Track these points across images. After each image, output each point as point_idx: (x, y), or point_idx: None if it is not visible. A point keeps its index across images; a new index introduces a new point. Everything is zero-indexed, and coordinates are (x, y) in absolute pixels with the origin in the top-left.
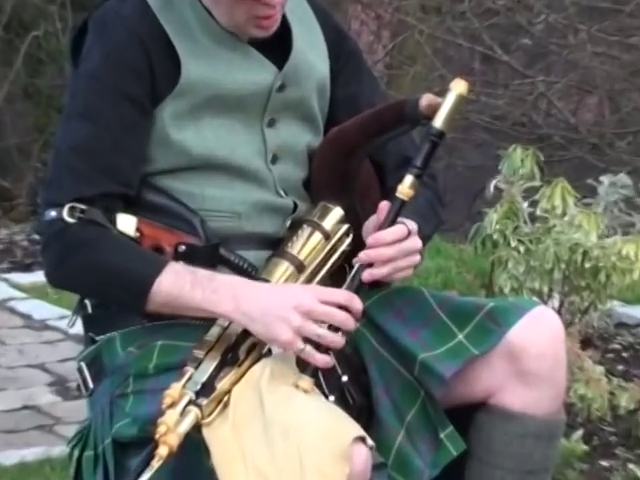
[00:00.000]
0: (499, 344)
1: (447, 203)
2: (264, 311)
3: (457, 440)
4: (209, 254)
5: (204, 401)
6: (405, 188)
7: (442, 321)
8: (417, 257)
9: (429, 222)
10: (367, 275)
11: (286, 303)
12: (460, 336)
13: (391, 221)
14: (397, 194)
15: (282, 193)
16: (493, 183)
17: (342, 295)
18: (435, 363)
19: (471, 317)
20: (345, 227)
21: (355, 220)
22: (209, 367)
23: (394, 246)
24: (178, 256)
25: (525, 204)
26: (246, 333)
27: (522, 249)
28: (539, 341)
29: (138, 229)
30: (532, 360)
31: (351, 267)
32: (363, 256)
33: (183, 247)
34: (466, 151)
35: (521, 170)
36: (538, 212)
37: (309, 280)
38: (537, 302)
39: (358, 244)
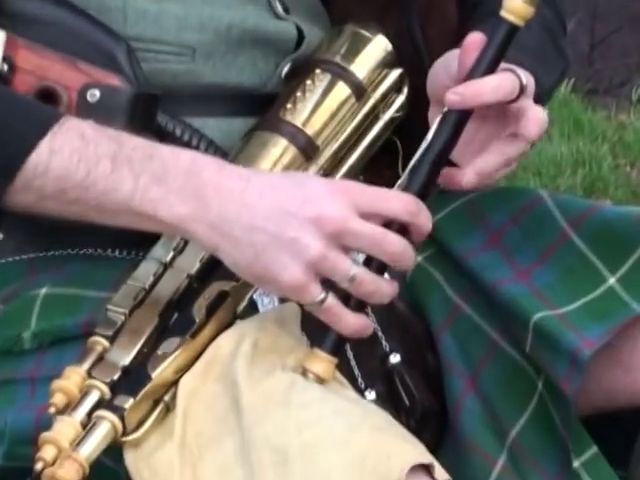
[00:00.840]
0: None
1: (597, 40)
2: (253, 225)
3: (605, 471)
4: (141, 112)
5: (127, 401)
6: (518, 2)
7: (577, 252)
8: (534, 134)
9: (551, 67)
10: (472, 174)
11: (297, 212)
12: (611, 280)
13: (491, 64)
14: (503, 13)
15: (279, 9)
16: None
17: (399, 200)
18: (565, 329)
19: (633, 244)
20: (394, 74)
21: (413, 60)
22: (136, 339)
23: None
24: (85, 108)
25: None
26: (211, 270)
27: None
28: None
29: (7, 57)
30: None
31: (405, 149)
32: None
33: (96, 92)
34: None
35: None
36: None
37: (326, 174)
38: None
39: (420, 108)
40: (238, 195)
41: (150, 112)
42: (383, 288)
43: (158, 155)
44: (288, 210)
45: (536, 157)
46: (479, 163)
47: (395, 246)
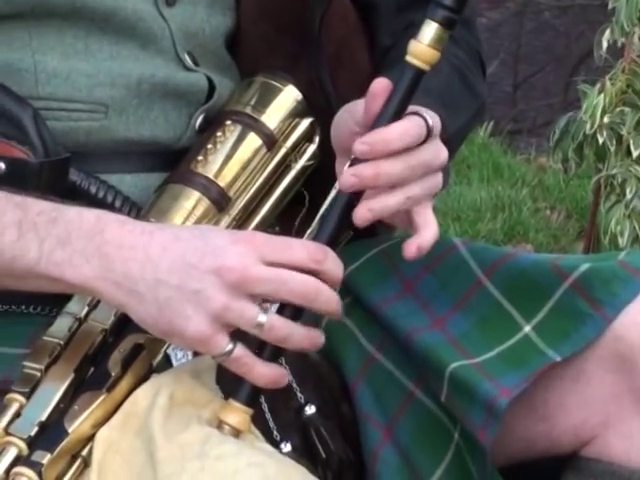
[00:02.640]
0: (599, 341)
1: (520, 81)
2: (158, 279)
3: None
4: (50, 178)
5: (45, 457)
6: (423, 47)
7: (493, 301)
8: (439, 179)
9: (460, 109)
10: (364, 211)
11: (199, 264)
12: (526, 328)
13: (397, 110)
14: (408, 58)
15: (188, 61)
16: (607, 33)
17: (304, 248)
18: (481, 378)
19: (547, 292)
20: (305, 123)
21: (324, 109)
22: (53, 394)
23: (403, 158)
24: None
25: None
26: (123, 326)
27: None
28: None
29: None
30: None
31: (317, 198)
32: (349, 177)
33: (1, 165)
34: None
35: None
36: None
37: (238, 226)
38: None
39: (330, 157)
40: (141, 251)
41: (60, 176)
42: (297, 332)
43: (62, 218)
44: (190, 262)
45: (455, 202)
46: (373, 201)
47: (303, 285)
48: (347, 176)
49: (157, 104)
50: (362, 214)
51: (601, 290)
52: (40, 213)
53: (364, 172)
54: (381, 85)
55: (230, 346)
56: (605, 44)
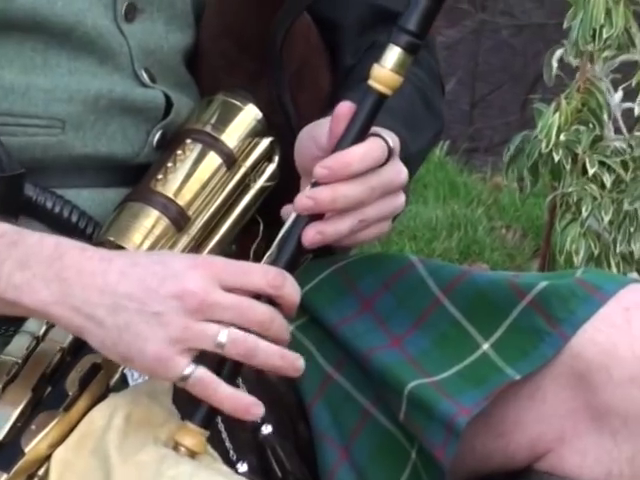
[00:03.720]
0: (556, 358)
1: (477, 99)
2: (117, 304)
3: None
4: (4, 193)
5: (1, 477)
6: (385, 72)
7: (451, 319)
8: (400, 200)
9: (422, 131)
10: (313, 234)
11: (159, 288)
12: (484, 346)
13: (358, 133)
14: (371, 82)
15: (145, 78)
16: (558, 54)
17: (263, 274)
18: (439, 397)
19: (505, 310)
20: (264, 143)
21: (284, 129)
22: (10, 413)
23: (361, 180)
24: None
25: (617, 95)
26: (81, 345)
27: (609, 180)
28: (632, 352)
29: None
30: (618, 388)
31: (276, 220)
32: (306, 198)
33: None
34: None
35: (606, 30)
36: (638, 110)
37: (198, 245)
38: (632, 279)
39: (290, 177)
40: (100, 277)
41: (15, 192)
42: (262, 344)
43: (23, 242)
44: (150, 287)
45: (411, 221)
46: (325, 224)
47: (261, 314)
48: (303, 199)
49: (114, 120)
50: (311, 237)
51: (559, 308)
52: (1, 235)
53: (321, 195)
54: (344, 108)
55: (190, 369)
56: (555, 65)
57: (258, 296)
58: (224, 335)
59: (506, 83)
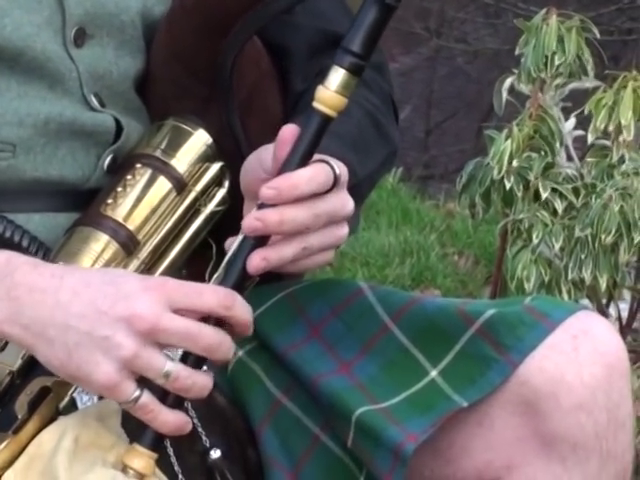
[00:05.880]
0: (504, 385)
1: (432, 126)
2: (67, 324)
3: None
4: None
5: None
6: (329, 93)
7: (399, 345)
8: (344, 231)
9: (371, 155)
10: (258, 260)
11: (110, 310)
12: (432, 373)
13: (303, 157)
14: (315, 104)
15: (94, 102)
16: (508, 83)
17: (215, 296)
18: (387, 423)
19: (453, 337)
20: (214, 168)
21: (234, 154)
22: None
23: (308, 205)
24: None
25: (568, 123)
26: (30, 368)
27: (560, 207)
28: (580, 379)
29: None
30: (567, 415)
31: (221, 245)
32: (254, 220)
33: None
34: (467, 24)
35: (558, 57)
36: (590, 138)
37: (148, 269)
38: (581, 306)
39: (238, 201)
40: (51, 295)
41: None
42: (199, 382)
43: None
44: (101, 309)
45: (364, 247)
46: (269, 250)
47: (209, 339)
48: (251, 220)
49: (65, 144)
50: (256, 263)
51: (507, 335)
52: None
53: (268, 217)
54: (289, 131)
55: (137, 393)
56: (505, 94)
57: (207, 318)
58: (171, 367)
59: (461, 110)
